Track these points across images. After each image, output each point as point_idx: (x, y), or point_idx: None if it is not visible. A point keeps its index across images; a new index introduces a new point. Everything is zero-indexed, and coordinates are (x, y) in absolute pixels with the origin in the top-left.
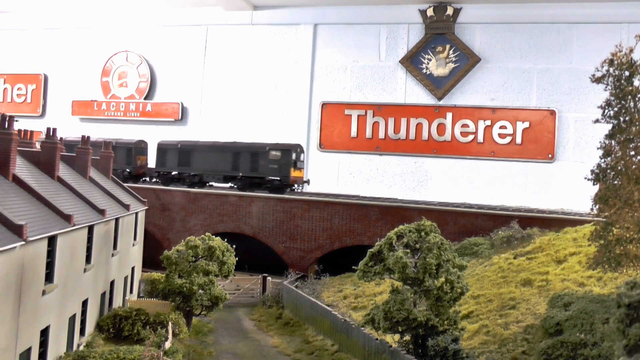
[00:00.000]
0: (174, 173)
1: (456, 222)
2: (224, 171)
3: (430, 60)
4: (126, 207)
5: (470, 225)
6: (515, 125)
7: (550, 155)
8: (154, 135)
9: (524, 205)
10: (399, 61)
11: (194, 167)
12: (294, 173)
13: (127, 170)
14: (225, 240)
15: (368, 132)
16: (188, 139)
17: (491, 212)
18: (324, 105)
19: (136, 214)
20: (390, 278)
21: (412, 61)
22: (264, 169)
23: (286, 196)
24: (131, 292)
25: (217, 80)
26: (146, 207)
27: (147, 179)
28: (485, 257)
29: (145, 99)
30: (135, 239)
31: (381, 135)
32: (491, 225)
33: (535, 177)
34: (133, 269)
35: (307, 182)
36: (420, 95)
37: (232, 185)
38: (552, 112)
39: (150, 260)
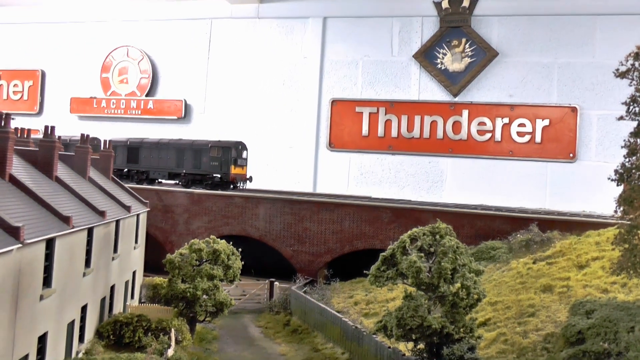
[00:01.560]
0: (124, 170)
1: (472, 225)
2: (169, 168)
3: (445, 54)
4: (127, 208)
5: (487, 228)
6: (534, 123)
7: (571, 155)
8: (155, 134)
9: (544, 208)
10: (413, 56)
11: (141, 164)
12: (234, 170)
13: None
14: (231, 243)
15: (380, 131)
16: (136, 137)
17: (509, 215)
18: (334, 102)
19: (137, 216)
20: (404, 283)
21: (426, 56)
22: (206, 166)
23: (295, 197)
24: (132, 297)
25: (221, 76)
26: (148, 209)
27: None
28: (503, 261)
29: (146, 96)
30: (136, 242)
31: (394, 133)
32: (509, 229)
33: (555, 178)
34: (134, 273)
35: (250, 179)
36: (434, 92)
37: (177, 182)
38: (574, 109)
39: (152, 264)
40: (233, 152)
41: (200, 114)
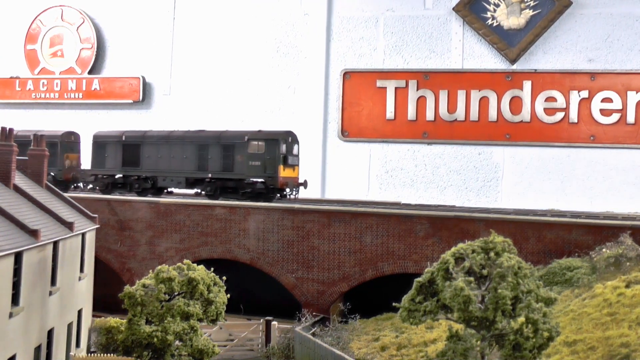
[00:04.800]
0: (117, 176)
1: (540, 238)
2: (186, 172)
3: (498, 5)
4: (68, 226)
5: (560, 241)
6: (625, 96)
7: None
8: (103, 125)
9: None
10: (453, 8)
11: (144, 167)
12: (283, 172)
13: (51, 173)
14: (212, 270)
15: (411, 112)
16: (135, 129)
17: (591, 222)
18: (347, 74)
19: (83, 235)
20: (448, 319)
21: (471, 8)
22: (242, 167)
23: (297, 206)
24: (78, 345)
25: (193, 44)
26: (97, 226)
27: (80, 185)
28: (584, 286)
29: (90, 73)
30: (82, 270)
31: (429, 116)
32: (591, 241)
33: None
34: (80, 312)
35: (304, 184)
36: (484, 58)
37: (199, 191)
38: None
39: (105, 300)
40: (282, 146)
41: (165, 95)
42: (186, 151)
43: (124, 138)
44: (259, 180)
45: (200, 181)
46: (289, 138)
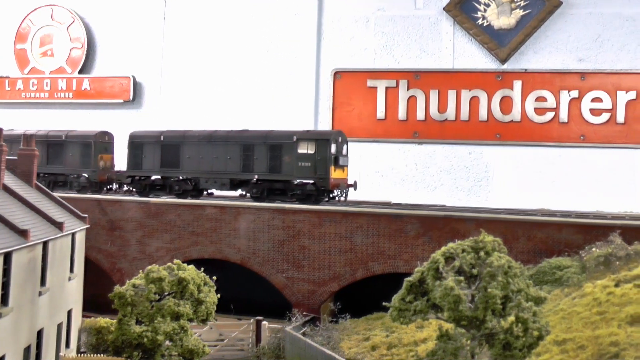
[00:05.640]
0: (154, 177)
1: (530, 237)
2: (230, 173)
3: (488, 5)
4: (58, 226)
5: (550, 240)
6: (615, 96)
7: None
8: (94, 125)
9: (630, 211)
10: (444, 8)
11: (185, 168)
12: (334, 173)
13: (84, 175)
14: (202, 270)
15: (401, 112)
16: (175, 129)
17: (581, 222)
18: (338, 74)
19: (73, 235)
20: (438, 318)
21: (462, 7)
22: (290, 168)
23: (287, 206)
24: (68, 345)
25: (183, 44)
26: (87, 226)
27: (114, 187)
28: (574, 285)
29: (80, 73)
30: (72, 270)
31: (420, 115)
32: (581, 241)
33: None
34: (70, 312)
35: (354, 185)
36: (475, 57)
37: (244, 192)
38: None
39: (95, 300)
40: (332, 146)
41: (155, 95)
42: (230, 152)
43: (162, 138)
44: (309, 181)
45: (244, 183)
46: (339, 138)
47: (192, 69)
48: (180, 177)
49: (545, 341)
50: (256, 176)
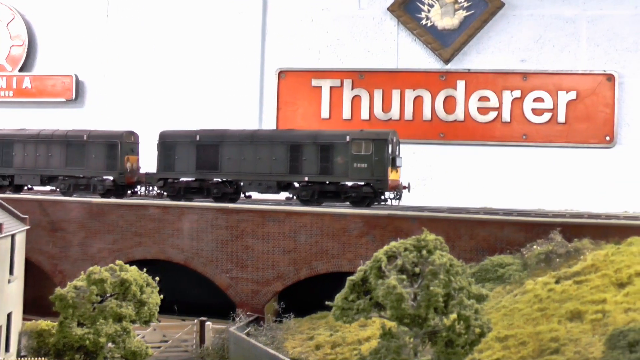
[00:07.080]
0: (187, 179)
1: (473, 235)
2: (275, 174)
3: (432, 5)
4: None
5: (492, 238)
6: (556, 96)
7: (607, 138)
8: (34, 124)
9: (570, 209)
10: (388, 8)
11: (225, 170)
12: (391, 175)
13: (110, 178)
14: (145, 270)
15: (346, 111)
16: (211, 128)
17: (522, 220)
18: (282, 73)
19: (12, 237)
20: (381, 317)
21: (406, 8)
22: (343, 169)
23: (231, 205)
24: (7, 349)
25: (126, 42)
26: (28, 227)
27: (141, 190)
28: (515, 282)
29: (20, 71)
30: (11, 273)
31: (364, 114)
32: (523, 239)
33: (586, 169)
34: (9, 316)
35: (407, 187)
36: (419, 57)
37: (291, 195)
38: (610, 77)
39: (36, 303)
40: (389, 146)
41: (98, 94)
42: (275, 152)
43: (198, 138)
44: (364, 183)
45: (291, 185)
46: (394, 138)
47: (135, 67)
48: (220, 180)
49: (488, 338)
50: (306, 178)
